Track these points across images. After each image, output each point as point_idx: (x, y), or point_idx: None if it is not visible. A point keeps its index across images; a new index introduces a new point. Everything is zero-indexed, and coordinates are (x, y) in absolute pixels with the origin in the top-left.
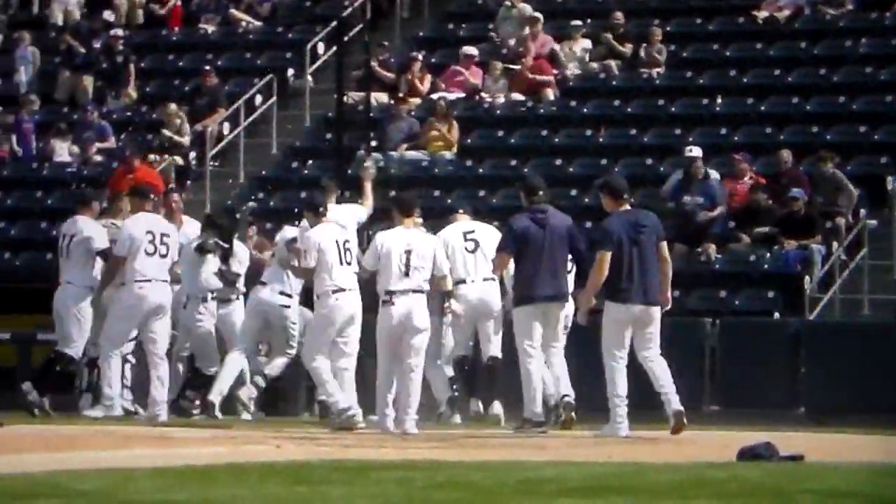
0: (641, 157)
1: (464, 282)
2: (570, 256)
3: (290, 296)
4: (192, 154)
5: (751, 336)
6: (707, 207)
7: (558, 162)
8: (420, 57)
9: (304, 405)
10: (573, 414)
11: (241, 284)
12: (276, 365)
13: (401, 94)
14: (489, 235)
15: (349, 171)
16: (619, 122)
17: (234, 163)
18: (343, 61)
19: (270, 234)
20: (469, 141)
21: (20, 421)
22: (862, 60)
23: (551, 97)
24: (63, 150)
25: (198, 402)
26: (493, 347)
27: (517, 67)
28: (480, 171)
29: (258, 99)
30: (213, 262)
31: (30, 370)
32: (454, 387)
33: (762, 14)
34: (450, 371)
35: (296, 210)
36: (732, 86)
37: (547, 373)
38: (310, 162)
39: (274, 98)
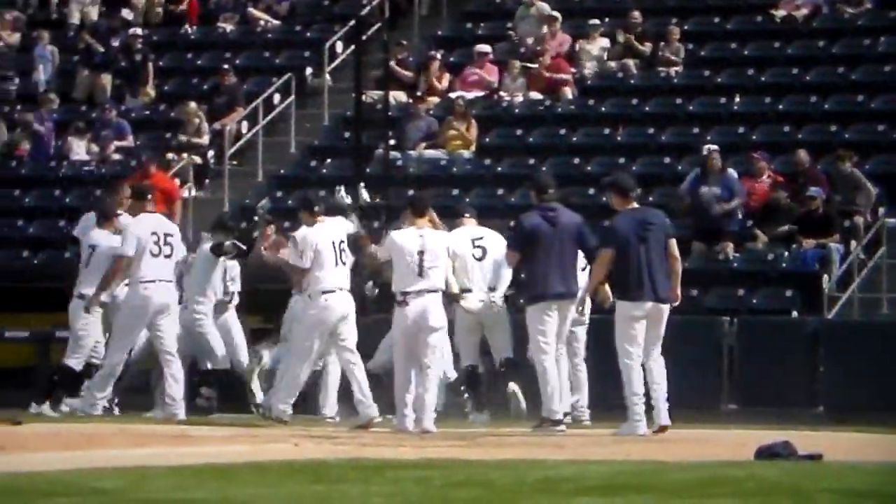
0: (659, 156)
1: (470, 290)
2: (580, 255)
3: None
4: (211, 153)
5: (769, 335)
6: (724, 199)
7: (576, 160)
8: (438, 56)
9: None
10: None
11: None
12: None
13: (419, 93)
14: (496, 242)
15: (367, 170)
16: (636, 121)
17: (252, 162)
18: (361, 60)
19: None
20: (487, 140)
21: (37, 419)
22: (880, 59)
23: (569, 96)
24: (81, 149)
25: (213, 399)
26: (505, 350)
27: (535, 66)
28: (499, 169)
29: (276, 98)
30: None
31: (48, 368)
32: (462, 388)
33: (780, 13)
34: (452, 373)
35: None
36: (750, 84)
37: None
38: (328, 161)
39: (292, 97)
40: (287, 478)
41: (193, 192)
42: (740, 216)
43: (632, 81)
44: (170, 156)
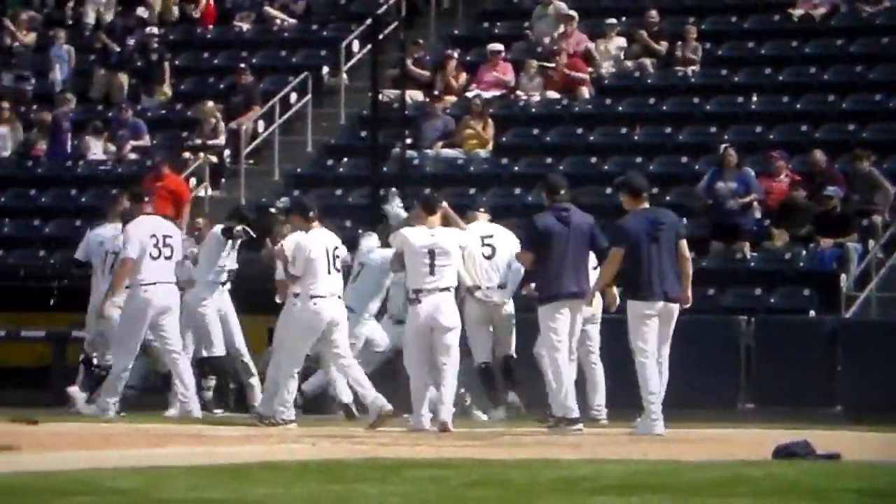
0: (676, 156)
1: (478, 287)
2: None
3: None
4: (227, 152)
5: (786, 334)
6: (739, 195)
7: (593, 160)
8: (455, 55)
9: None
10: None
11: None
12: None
13: (436, 92)
14: (506, 240)
15: (384, 169)
16: (653, 121)
17: (268, 161)
18: (378, 59)
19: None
20: (504, 139)
21: (56, 418)
22: None
23: (586, 95)
24: (98, 148)
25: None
26: (507, 347)
27: (552, 65)
28: (515, 169)
29: (293, 97)
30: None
31: (64, 368)
32: (462, 391)
33: (798, 12)
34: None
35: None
36: (768, 84)
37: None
38: (345, 160)
39: (309, 96)
40: (303, 477)
41: (210, 192)
42: (758, 216)
43: (649, 81)
44: (186, 155)
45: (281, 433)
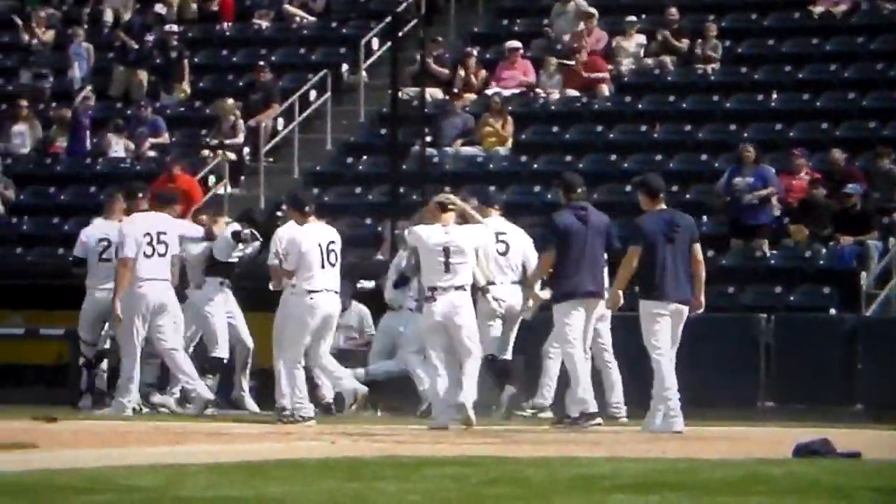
0: (696, 153)
1: (493, 283)
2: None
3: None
4: (246, 149)
5: (806, 332)
6: (757, 189)
7: (612, 158)
8: (475, 52)
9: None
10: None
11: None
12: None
13: (455, 90)
14: (519, 238)
15: (404, 167)
16: (673, 118)
17: (288, 158)
18: (397, 57)
19: None
20: (524, 136)
21: (75, 416)
22: None
23: (606, 93)
24: (119, 146)
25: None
26: (508, 350)
27: (572, 63)
28: (535, 166)
29: (312, 94)
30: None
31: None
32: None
33: (818, 9)
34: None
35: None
36: (788, 81)
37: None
38: (364, 157)
39: (328, 93)
40: (322, 475)
41: (229, 189)
42: (777, 213)
43: (669, 78)
44: (204, 153)
45: (300, 431)
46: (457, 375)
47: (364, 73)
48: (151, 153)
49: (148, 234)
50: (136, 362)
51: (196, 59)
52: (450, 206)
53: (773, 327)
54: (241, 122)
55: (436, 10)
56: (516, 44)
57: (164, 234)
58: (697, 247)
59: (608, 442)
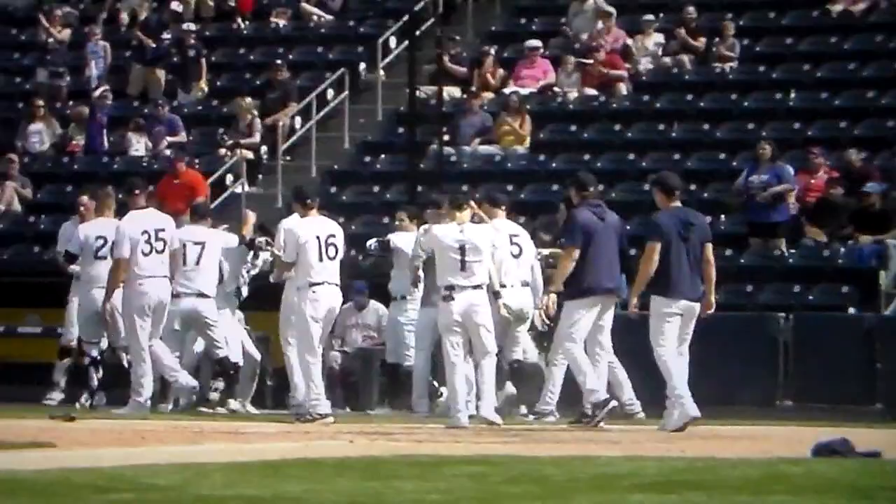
0: (714, 152)
1: (504, 286)
2: None
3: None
4: (264, 148)
5: (825, 331)
6: (773, 187)
7: (630, 156)
8: (492, 51)
9: (377, 400)
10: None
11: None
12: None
13: (473, 89)
14: (528, 240)
15: (421, 166)
16: (691, 117)
17: (305, 157)
18: (415, 55)
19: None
20: (541, 135)
21: (93, 415)
22: None
23: (624, 92)
24: (140, 145)
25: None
26: (520, 351)
27: (590, 62)
28: (553, 165)
29: (330, 93)
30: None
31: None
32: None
33: (837, 7)
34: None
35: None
36: (806, 80)
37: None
38: (382, 156)
39: (346, 92)
40: (341, 474)
41: (247, 188)
42: (794, 210)
43: (686, 77)
44: (222, 152)
45: (318, 430)
46: (473, 377)
47: (381, 72)
48: (168, 152)
49: (146, 231)
50: (146, 360)
51: (213, 58)
52: (464, 205)
53: (791, 326)
54: (258, 120)
55: (453, 8)
56: (537, 43)
57: (163, 230)
58: (709, 247)
59: (627, 441)
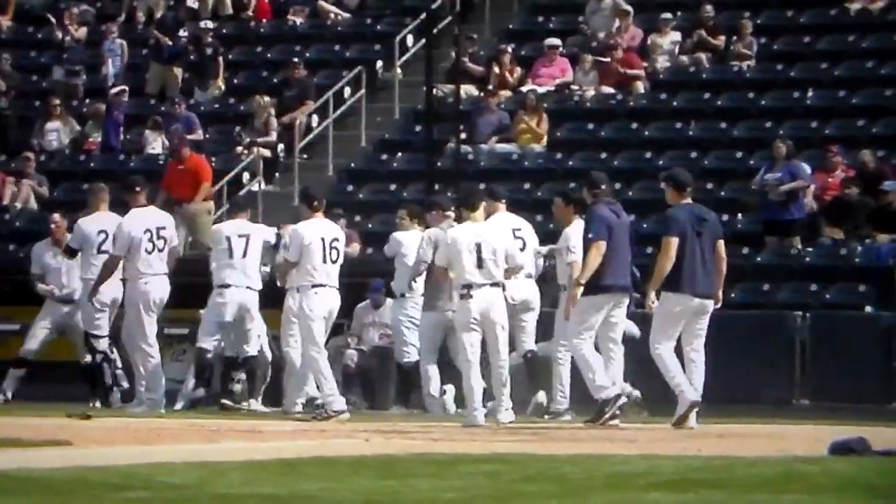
0: (731, 151)
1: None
2: None
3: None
4: (281, 146)
5: (842, 330)
6: (787, 183)
7: (648, 155)
8: (509, 49)
9: (394, 399)
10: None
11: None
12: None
13: (490, 87)
14: (531, 232)
15: (438, 164)
16: (708, 115)
17: (322, 155)
18: (432, 54)
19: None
20: (559, 134)
21: (109, 414)
22: None
23: (641, 90)
24: (157, 143)
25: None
26: (530, 342)
27: (607, 60)
28: (570, 163)
29: (347, 91)
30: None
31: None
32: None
33: (855, 6)
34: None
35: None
36: (824, 78)
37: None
38: (399, 154)
39: (363, 90)
40: (357, 472)
41: (263, 186)
42: (811, 208)
43: (704, 75)
44: (239, 150)
45: (334, 428)
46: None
47: (399, 70)
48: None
49: (148, 230)
50: (154, 356)
51: (230, 56)
52: (477, 205)
53: (808, 325)
54: (274, 119)
55: (471, 6)
56: (556, 41)
57: (164, 228)
58: (721, 243)
59: (643, 440)
